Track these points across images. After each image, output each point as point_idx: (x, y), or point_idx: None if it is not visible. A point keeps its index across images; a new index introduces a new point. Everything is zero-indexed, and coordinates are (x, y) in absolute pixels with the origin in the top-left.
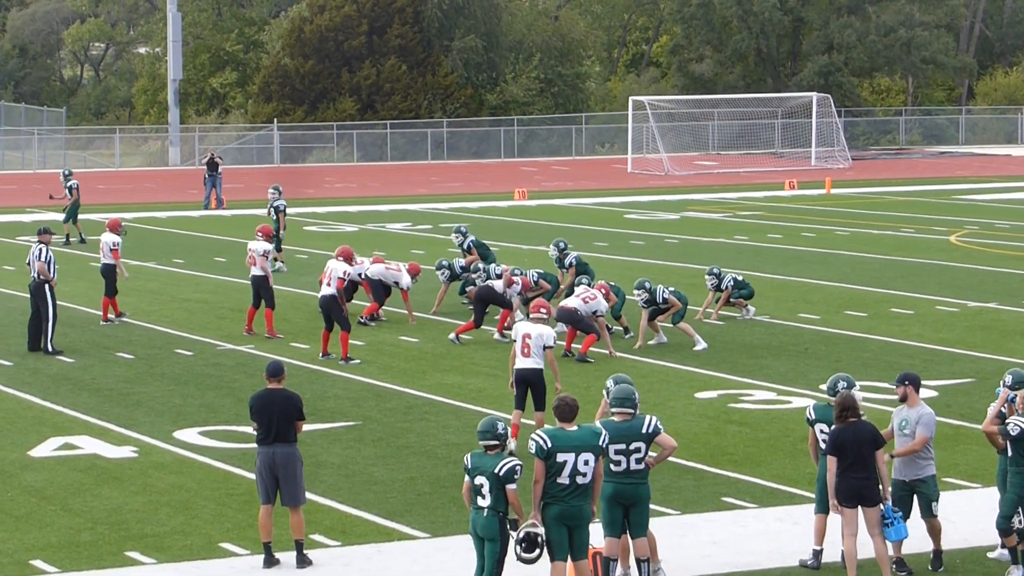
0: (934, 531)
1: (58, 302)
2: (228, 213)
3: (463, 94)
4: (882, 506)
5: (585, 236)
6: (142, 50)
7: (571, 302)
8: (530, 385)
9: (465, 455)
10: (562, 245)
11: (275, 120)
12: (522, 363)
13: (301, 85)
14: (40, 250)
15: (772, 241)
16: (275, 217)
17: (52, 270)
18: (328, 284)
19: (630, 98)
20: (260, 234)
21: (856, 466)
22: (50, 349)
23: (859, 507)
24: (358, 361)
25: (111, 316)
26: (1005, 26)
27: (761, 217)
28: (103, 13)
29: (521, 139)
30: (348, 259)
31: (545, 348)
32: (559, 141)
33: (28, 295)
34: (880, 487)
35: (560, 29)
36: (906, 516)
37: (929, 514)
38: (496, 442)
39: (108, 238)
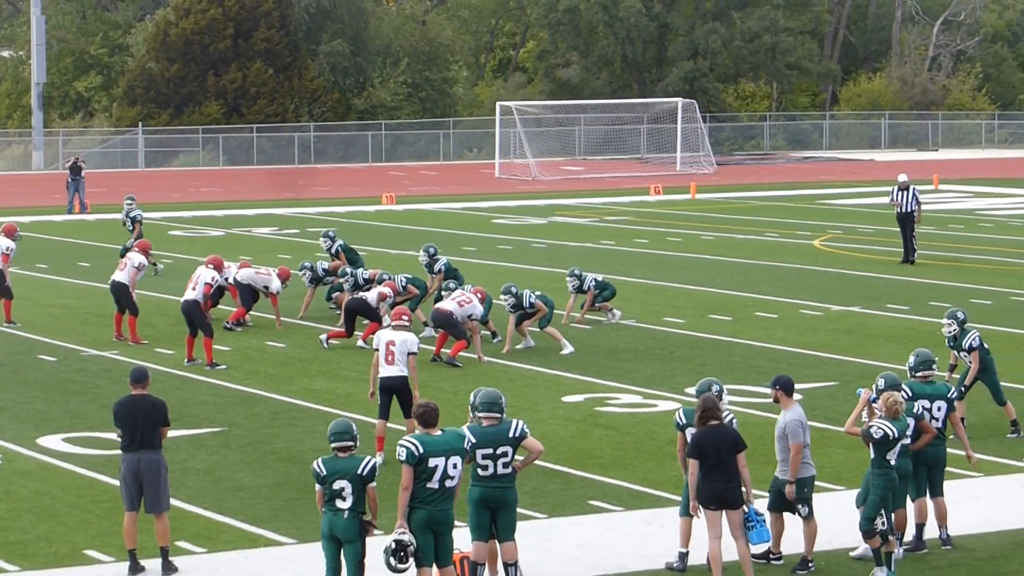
0: (807, 533)
1: None
2: (92, 217)
3: (330, 98)
4: (745, 508)
5: (453, 241)
6: (5, 53)
7: (446, 305)
8: (396, 393)
9: (314, 463)
10: (432, 250)
11: (140, 124)
12: (386, 371)
13: (166, 89)
14: None
15: (638, 246)
16: (131, 227)
17: None
18: (193, 289)
19: (497, 103)
20: (137, 249)
21: (718, 469)
22: None
23: (722, 510)
24: (224, 367)
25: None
26: (868, 32)
27: (627, 222)
28: None
29: (389, 144)
30: (218, 268)
31: (409, 354)
32: (427, 146)
33: None
34: (744, 490)
35: (427, 34)
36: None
37: (796, 514)
38: (352, 443)
39: (3, 242)
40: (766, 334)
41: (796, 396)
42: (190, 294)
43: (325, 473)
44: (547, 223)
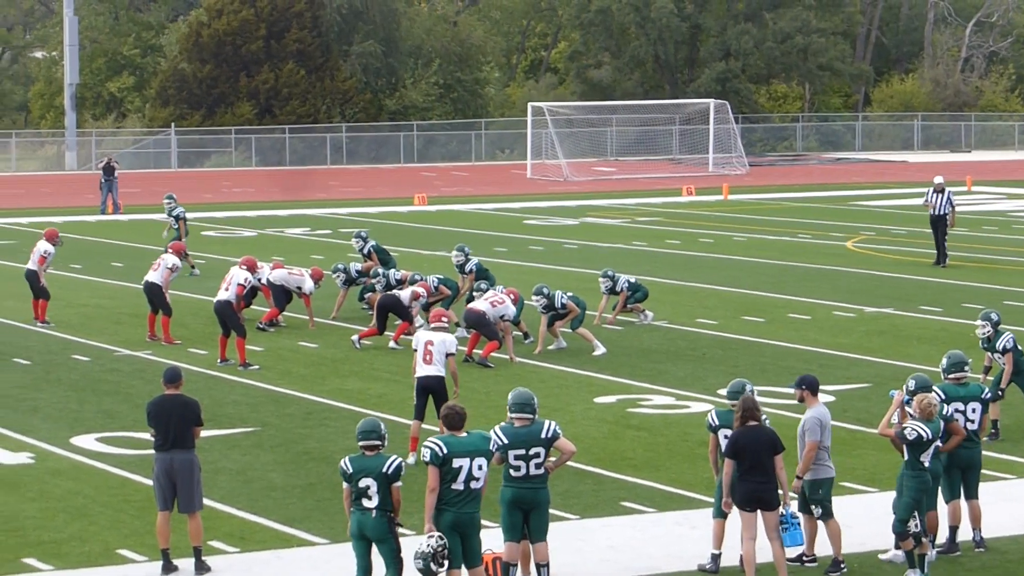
0: (830, 535)
1: None
2: (125, 218)
3: (362, 99)
4: (782, 511)
5: (485, 241)
6: (38, 54)
7: (479, 305)
8: (433, 393)
9: (341, 461)
10: (466, 251)
11: (172, 124)
12: (423, 370)
13: (199, 89)
14: None
15: (670, 247)
16: (176, 226)
17: None
18: (226, 289)
19: (529, 104)
20: (171, 250)
21: (755, 470)
22: None
23: (758, 511)
24: (257, 367)
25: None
26: (901, 33)
27: (659, 223)
28: None
29: (420, 144)
30: (251, 269)
31: (447, 355)
32: (458, 147)
33: None
34: (780, 492)
35: (459, 35)
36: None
37: (810, 514)
38: (379, 442)
39: (42, 247)
40: (798, 335)
41: (827, 397)
42: (223, 294)
43: (351, 471)
44: (579, 224)
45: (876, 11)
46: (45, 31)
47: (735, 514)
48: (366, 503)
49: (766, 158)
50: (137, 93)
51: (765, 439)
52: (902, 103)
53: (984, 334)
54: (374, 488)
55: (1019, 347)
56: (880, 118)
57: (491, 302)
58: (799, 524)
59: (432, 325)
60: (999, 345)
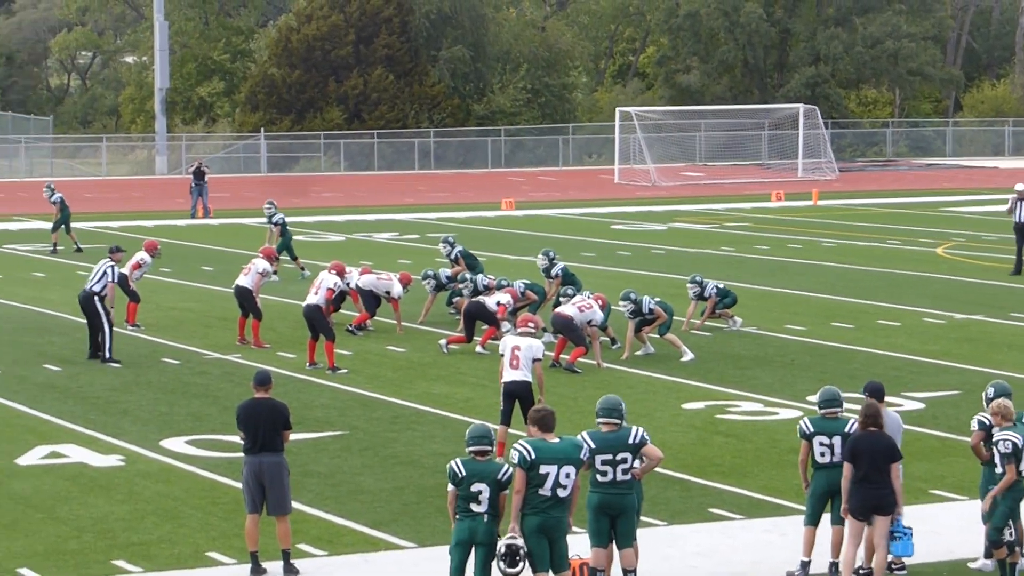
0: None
1: (44, 310)
2: (215, 222)
3: (450, 104)
4: (898, 517)
5: (572, 246)
6: (129, 59)
7: (567, 310)
8: (519, 398)
9: (451, 462)
10: (551, 255)
11: (262, 129)
12: (510, 375)
13: (288, 94)
14: (110, 268)
15: (758, 252)
16: (275, 232)
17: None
18: (316, 293)
19: (617, 109)
20: (262, 255)
21: (870, 477)
22: (107, 357)
23: (868, 520)
24: (345, 371)
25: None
26: (992, 38)
27: (748, 228)
28: (90, 22)
29: (508, 149)
30: (340, 274)
31: (534, 360)
32: (546, 151)
33: (19, 304)
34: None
35: (547, 40)
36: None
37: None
38: (490, 448)
39: (139, 255)
40: (887, 342)
41: (917, 405)
42: (312, 299)
43: (464, 474)
44: (666, 229)
45: (967, 16)
46: (136, 36)
47: (825, 522)
48: (475, 508)
49: (856, 163)
50: (227, 98)
51: (883, 446)
52: (993, 108)
53: None
54: (486, 493)
55: None
56: (971, 124)
57: (579, 307)
58: (911, 535)
59: (519, 330)
60: None
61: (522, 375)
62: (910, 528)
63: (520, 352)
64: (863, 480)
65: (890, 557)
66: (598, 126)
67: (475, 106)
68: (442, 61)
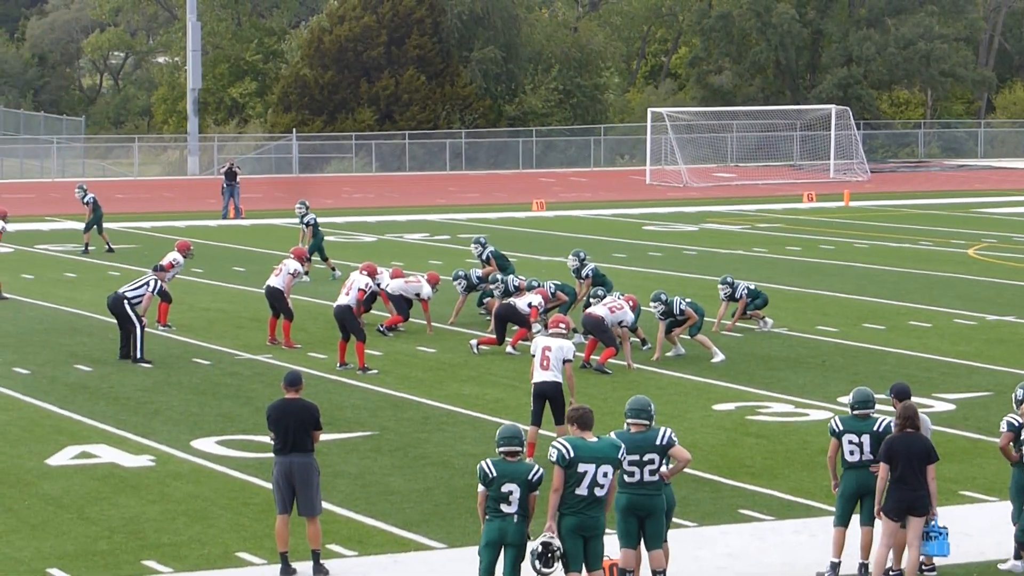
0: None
1: (75, 311)
2: (246, 223)
3: (481, 105)
4: (934, 517)
5: (603, 247)
6: (161, 59)
7: (598, 310)
8: (549, 399)
9: (481, 463)
10: (582, 255)
11: (294, 130)
12: (540, 376)
13: (320, 95)
14: (153, 282)
15: (790, 253)
16: (307, 232)
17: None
18: (347, 294)
19: (648, 110)
20: (293, 256)
21: (906, 477)
22: (139, 357)
23: (902, 521)
24: (375, 371)
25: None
26: None
27: (779, 229)
28: (122, 22)
29: (539, 150)
30: (372, 275)
31: (565, 361)
32: (577, 152)
33: (50, 304)
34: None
35: (579, 40)
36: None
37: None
38: (520, 449)
39: (172, 256)
40: (919, 343)
41: (948, 406)
42: (343, 299)
43: (495, 475)
44: (698, 230)
45: (999, 17)
46: (168, 37)
47: (854, 523)
48: (505, 508)
49: (888, 164)
50: (259, 99)
51: (920, 447)
52: None
53: None
54: (516, 494)
55: None
56: (1003, 125)
57: (610, 308)
58: (946, 535)
59: (550, 331)
60: None
61: (552, 376)
62: (945, 528)
63: (551, 353)
64: (899, 480)
65: (921, 558)
66: (630, 127)
67: (507, 107)
68: (474, 62)
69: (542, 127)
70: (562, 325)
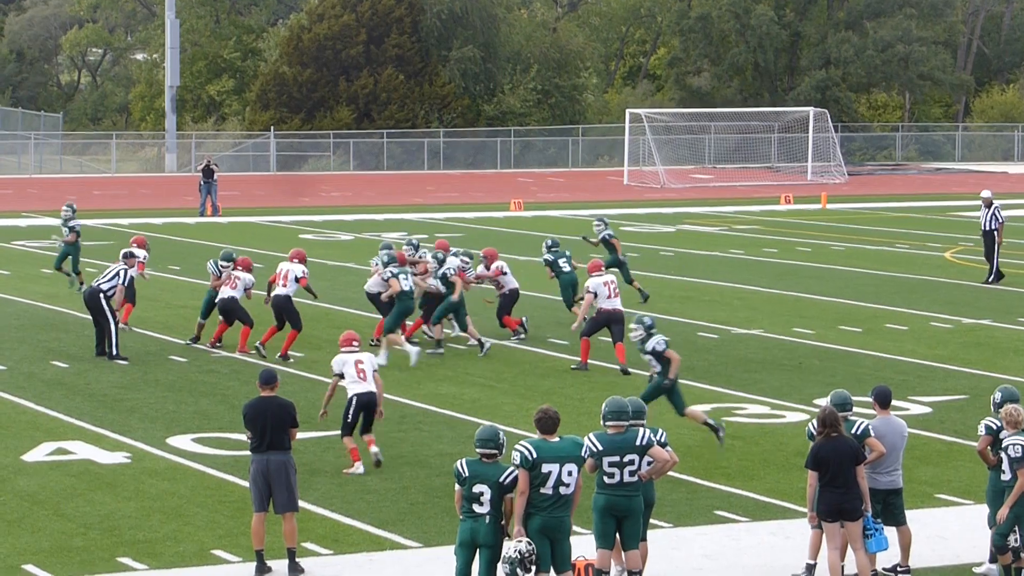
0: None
1: (52, 307)
2: (224, 220)
3: (460, 104)
4: (866, 516)
5: (580, 248)
6: (140, 56)
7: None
8: (364, 408)
9: (457, 463)
10: (606, 220)
11: (272, 128)
12: (361, 387)
13: (298, 93)
14: (123, 272)
15: (767, 255)
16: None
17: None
18: (283, 285)
19: (627, 110)
20: (295, 259)
21: (836, 481)
22: (115, 353)
23: (839, 521)
24: (293, 360)
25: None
26: (1003, 43)
27: (757, 231)
28: (101, 19)
29: (517, 150)
30: (302, 261)
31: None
32: (555, 152)
33: (27, 300)
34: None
35: (558, 41)
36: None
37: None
38: (496, 451)
39: (139, 252)
40: (895, 346)
41: (924, 409)
42: (281, 290)
43: (467, 475)
44: (675, 231)
45: (978, 21)
46: (147, 34)
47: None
48: (477, 509)
49: (865, 167)
50: (237, 96)
51: (847, 450)
52: (1002, 114)
53: None
54: (487, 496)
55: None
56: (980, 128)
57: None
58: (882, 529)
59: (343, 349)
60: None
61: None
62: (879, 522)
63: (363, 365)
64: (829, 484)
65: (894, 562)
66: (608, 127)
67: (485, 106)
68: (452, 61)
69: (520, 127)
70: (355, 343)
